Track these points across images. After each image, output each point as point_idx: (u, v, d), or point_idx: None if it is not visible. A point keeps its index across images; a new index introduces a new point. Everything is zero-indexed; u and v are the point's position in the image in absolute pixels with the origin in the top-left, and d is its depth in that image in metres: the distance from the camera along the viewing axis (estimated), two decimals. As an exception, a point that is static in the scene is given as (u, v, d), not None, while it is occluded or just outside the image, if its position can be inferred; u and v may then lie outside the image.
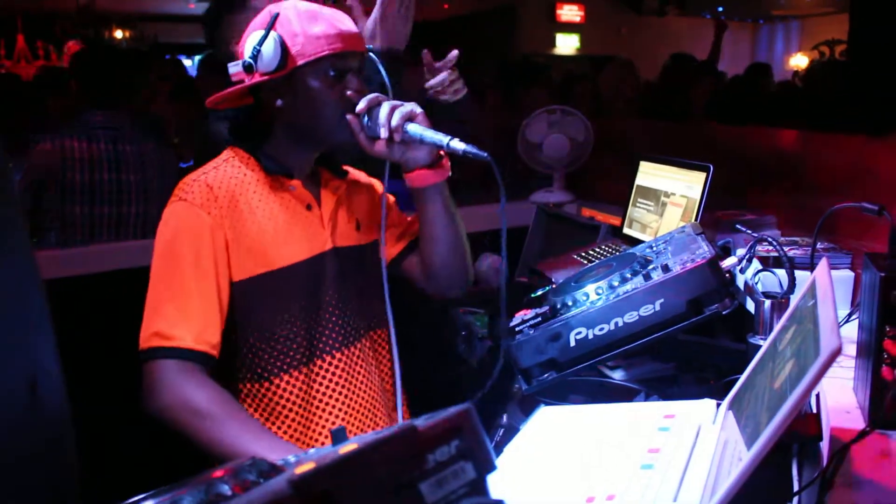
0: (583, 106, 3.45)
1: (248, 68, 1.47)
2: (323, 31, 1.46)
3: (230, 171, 1.53)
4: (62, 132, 2.91)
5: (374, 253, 1.68)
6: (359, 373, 1.60)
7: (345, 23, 1.51)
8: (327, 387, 1.55)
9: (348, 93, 1.49)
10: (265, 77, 1.47)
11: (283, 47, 1.44)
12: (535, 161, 3.09)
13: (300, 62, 1.46)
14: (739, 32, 12.61)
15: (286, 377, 1.52)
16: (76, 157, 2.84)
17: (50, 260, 2.56)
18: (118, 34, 10.68)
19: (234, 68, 1.50)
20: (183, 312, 1.41)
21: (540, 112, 3.07)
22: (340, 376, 1.56)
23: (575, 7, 11.28)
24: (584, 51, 11.16)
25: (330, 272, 1.57)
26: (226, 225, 1.46)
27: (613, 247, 2.19)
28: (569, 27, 11.38)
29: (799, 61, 11.10)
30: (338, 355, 1.57)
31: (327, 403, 1.55)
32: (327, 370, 1.55)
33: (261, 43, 1.45)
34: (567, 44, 11.38)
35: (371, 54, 1.71)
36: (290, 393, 1.52)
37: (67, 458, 0.51)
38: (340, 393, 1.56)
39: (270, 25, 1.45)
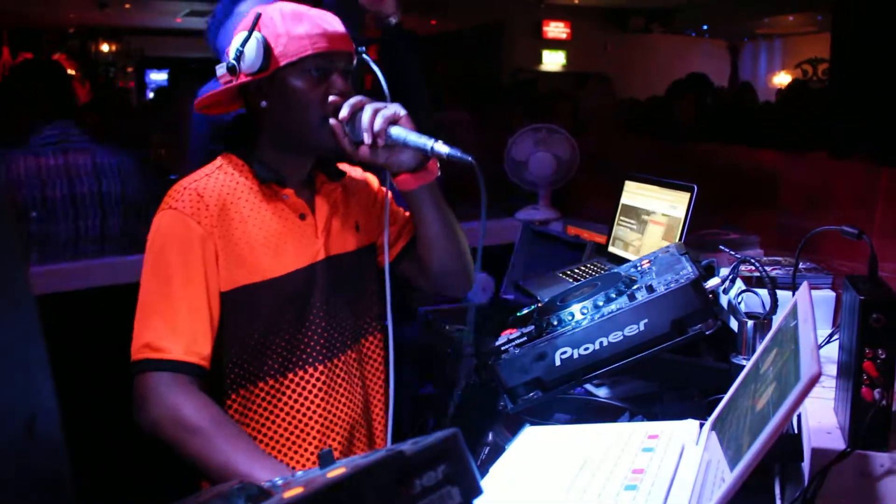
0: (564, 123, 3.47)
1: (232, 70, 1.45)
2: (306, 30, 1.45)
3: (222, 178, 1.51)
4: (11, 150, 2.74)
5: (372, 255, 1.69)
6: (340, 386, 1.59)
7: (331, 22, 1.49)
8: (305, 399, 1.54)
9: (331, 97, 1.48)
10: (249, 78, 1.46)
11: (267, 47, 1.43)
12: (521, 179, 3.11)
13: (283, 62, 1.45)
14: (723, 51, 12.74)
15: (262, 384, 1.51)
16: (23, 176, 2.68)
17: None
18: (104, 48, 10.67)
19: (220, 70, 1.48)
20: (172, 324, 1.40)
21: (525, 130, 3.09)
22: (321, 389, 1.55)
23: (561, 24, 11.36)
24: (570, 67, 11.24)
25: (320, 283, 1.56)
26: (216, 234, 1.45)
27: (598, 265, 2.21)
28: (555, 44, 11.46)
29: (782, 79, 11.22)
30: (320, 367, 1.56)
31: (303, 416, 1.54)
32: (305, 383, 1.54)
33: (244, 44, 1.44)
34: (553, 60, 11.45)
35: (364, 55, 1.67)
36: (264, 402, 1.51)
37: (64, 497, 0.51)
38: (319, 405, 1.55)
39: (253, 26, 1.45)
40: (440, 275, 1.67)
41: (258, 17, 1.45)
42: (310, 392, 1.54)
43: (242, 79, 1.46)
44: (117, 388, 1.45)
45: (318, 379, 1.55)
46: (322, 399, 1.56)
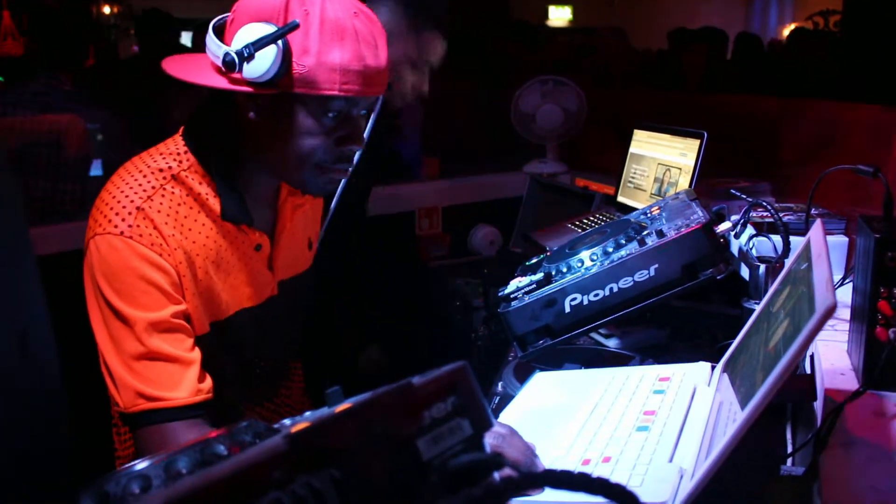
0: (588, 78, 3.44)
1: (230, 65, 1.15)
2: (343, 61, 1.15)
3: (176, 198, 1.23)
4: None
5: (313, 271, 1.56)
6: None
7: (375, 52, 1.19)
8: None
9: (345, 146, 1.25)
10: (247, 88, 1.17)
11: (285, 61, 1.13)
12: (529, 132, 3.08)
13: (298, 90, 1.16)
14: (733, 3, 12.53)
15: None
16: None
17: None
18: (106, 9, 10.55)
19: (216, 49, 1.17)
20: (167, 366, 1.19)
21: (533, 82, 3.05)
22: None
23: (567, -22, 11.18)
24: (577, 23, 11.08)
25: (271, 318, 1.41)
26: (180, 271, 1.22)
27: (607, 215, 2.19)
28: (561, -1, 11.29)
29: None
30: (259, 409, 1.49)
31: None
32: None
33: (257, 44, 1.13)
34: (559, 15, 11.29)
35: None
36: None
37: (60, 415, 0.51)
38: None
39: (282, 32, 1.13)
40: None
41: (294, 25, 1.13)
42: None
43: (238, 84, 1.18)
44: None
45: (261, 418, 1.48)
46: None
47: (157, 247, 1.19)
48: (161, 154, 1.27)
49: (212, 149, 1.27)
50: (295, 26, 1.12)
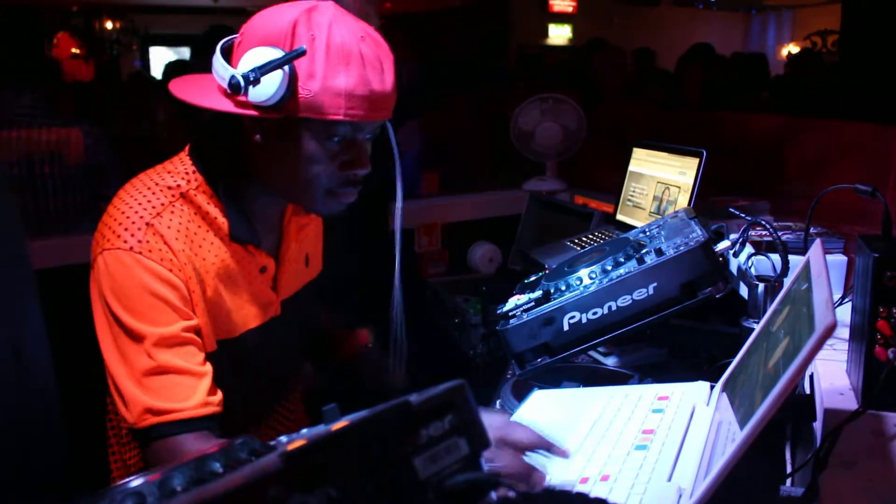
0: (583, 95, 3.45)
1: (235, 88, 1.16)
2: (349, 86, 1.15)
3: (185, 217, 1.23)
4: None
5: (313, 286, 1.56)
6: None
7: (381, 77, 1.19)
8: None
9: (350, 171, 1.24)
10: (252, 112, 1.17)
11: (291, 86, 1.14)
12: (528, 149, 3.08)
13: (303, 115, 1.16)
14: (731, 23, 12.61)
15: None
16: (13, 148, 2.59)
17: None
18: (108, 25, 10.61)
19: (222, 71, 1.18)
20: (177, 379, 1.18)
21: (532, 100, 3.06)
22: None
23: (567, -3, 11.26)
24: (577, 41, 11.14)
25: (275, 337, 1.40)
26: (189, 287, 1.21)
27: (606, 233, 2.19)
28: (561, 17, 11.36)
29: (791, 52, 11.12)
30: (251, 428, 1.48)
31: None
32: None
33: (263, 68, 1.13)
34: (559, 34, 11.35)
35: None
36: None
37: (54, 424, 0.50)
38: None
39: (289, 58, 1.13)
40: None
41: (300, 51, 1.13)
42: None
43: (243, 108, 1.18)
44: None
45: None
46: None
47: (166, 262, 1.18)
48: (169, 172, 1.27)
49: (218, 170, 1.27)
50: (301, 53, 1.12)
